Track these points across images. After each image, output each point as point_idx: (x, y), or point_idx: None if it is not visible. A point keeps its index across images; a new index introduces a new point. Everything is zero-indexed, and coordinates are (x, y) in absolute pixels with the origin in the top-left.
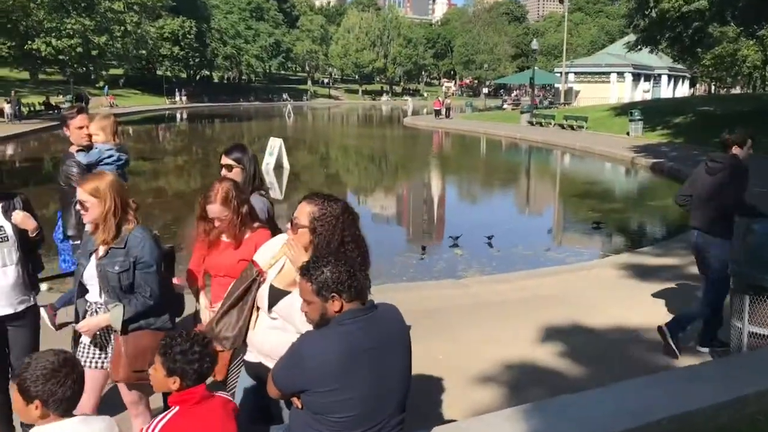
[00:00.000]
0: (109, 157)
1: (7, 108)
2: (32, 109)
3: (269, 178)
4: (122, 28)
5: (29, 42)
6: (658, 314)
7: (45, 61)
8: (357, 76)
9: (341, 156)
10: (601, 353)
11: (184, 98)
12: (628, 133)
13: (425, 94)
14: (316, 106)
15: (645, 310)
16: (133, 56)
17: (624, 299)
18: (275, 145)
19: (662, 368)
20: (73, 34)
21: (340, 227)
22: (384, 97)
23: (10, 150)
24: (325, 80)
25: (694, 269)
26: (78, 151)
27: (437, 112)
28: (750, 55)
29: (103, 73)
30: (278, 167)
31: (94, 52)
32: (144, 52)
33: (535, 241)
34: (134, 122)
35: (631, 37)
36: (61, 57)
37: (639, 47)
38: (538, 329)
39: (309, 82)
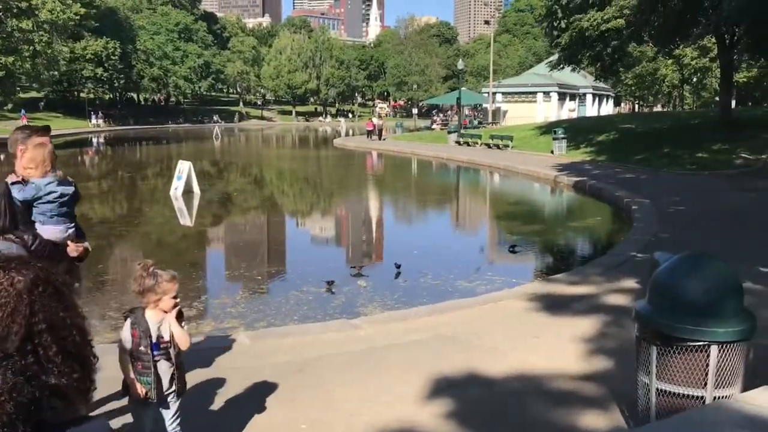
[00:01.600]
0: (49, 193)
1: None
2: None
3: (177, 203)
4: (31, 48)
5: None
6: (564, 356)
7: None
8: (290, 98)
9: (260, 179)
10: (497, 410)
11: (100, 121)
12: (552, 152)
13: (352, 116)
14: (248, 127)
15: (551, 351)
16: (44, 78)
17: (529, 338)
18: (184, 168)
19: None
20: None
21: (24, 312)
22: (321, 118)
23: None
24: (258, 102)
25: (609, 299)
26: (14, 183)
27: (369, 133)
28: (668, 74)
29: (12, 96)
30: (187, 192)
31: (0, 73)
32: (56, 73)
33: (447, 267)
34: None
35: (555, 56)
36: None
37: (561, 66)
38: (429, 382)
39: (240, 104)
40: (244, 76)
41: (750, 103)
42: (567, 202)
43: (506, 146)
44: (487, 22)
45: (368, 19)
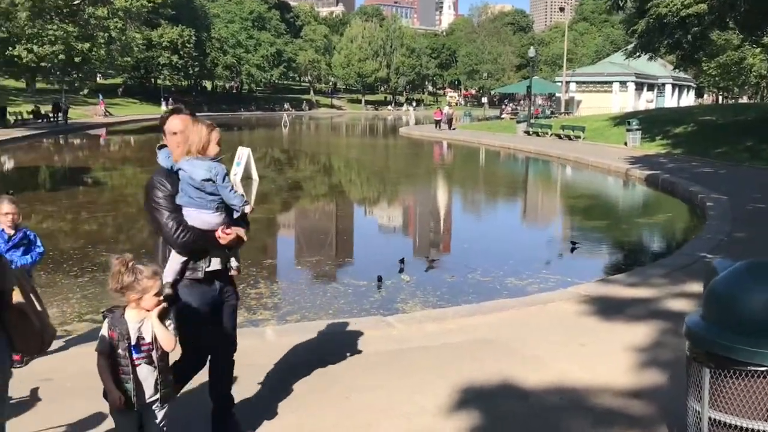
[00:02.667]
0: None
1: None
2: (19, 117)
3: (237, 189)
4: (106, 35)
5: (10, 48)
6: (611, 367)
7: (28, 68)
8: (360, 86)
9: (321, 167)
10: (528, 427)
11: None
12: (625, 144)
13: (420, 104)
14: (318, 115)
15: (598, 361)
16: (119, 64)
17: (575, 346)
18: (242, 154)
19: None
20: (55, 41)
21: None
22: (390, 107)
23: None
24: (328, 90)
25: (670, 304)
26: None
27: (437, 123)
28: (756, 63)
29: (87, 82)
30: (246, 178)
31: (77, 59)
32: (129, 59)
33: (499, 263)
34: (129, 131)
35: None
36: (43, 64)
37: (637, 54)
38: (457, 391)
39: (311, 92)
40: (315, 64)
41: None
42: (637, 196)
43: (577, 137)
44: (561, 9)
45: (441, 7)
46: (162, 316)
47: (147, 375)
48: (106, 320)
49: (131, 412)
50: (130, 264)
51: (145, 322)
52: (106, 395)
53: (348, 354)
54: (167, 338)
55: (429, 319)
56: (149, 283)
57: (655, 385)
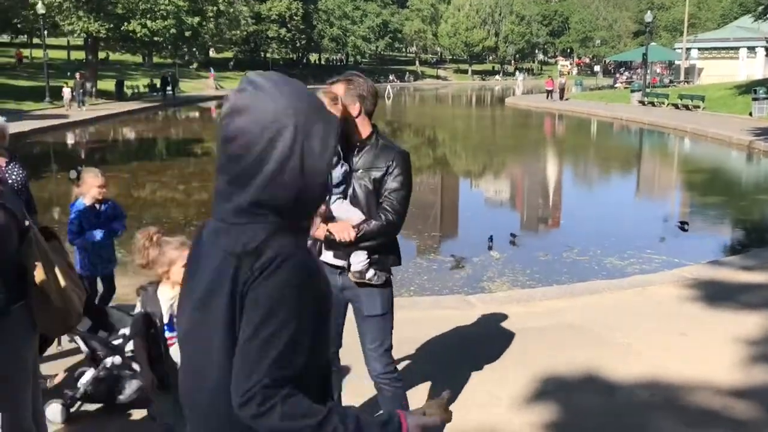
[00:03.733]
0: None
1: (67, 93)
2: (135, 91)
3: None
4: (215, 8)
5: (125, 23)
6: (714, 361)
7: (143, 43)
8: (467, 56)
9: (426, 138)
10: (611, 426)
11: None
12: (750, 114)
13: (530, 74)
14: (423, 86)
15: (698, 353)
16: (227, 38)
17: (674, 335)
18: None
19: None
20: (167, 15)
21: None
22: (498, 77)
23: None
24: (434, 60)
25: None
26: None
27: (549, 93)
28: None
29: (198, 55)
30: None
31: (187, 33)
32: (237, 32)
33: (600, 241)
34: None
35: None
36: (156, 38)
37: (767, 15)
38: (536, 381)
39: (417, 63)
40: (421, 34)
41: None
42: (760, 171)
43: (696, 107)
44: None
45: None
46: None
47: None
48: (139, 298)
49: (168, 395)
50: (155, 237)
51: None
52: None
53: (421, 336)
54: None
55: (513, 300)
56: (175, 254)
57: (765, 385)
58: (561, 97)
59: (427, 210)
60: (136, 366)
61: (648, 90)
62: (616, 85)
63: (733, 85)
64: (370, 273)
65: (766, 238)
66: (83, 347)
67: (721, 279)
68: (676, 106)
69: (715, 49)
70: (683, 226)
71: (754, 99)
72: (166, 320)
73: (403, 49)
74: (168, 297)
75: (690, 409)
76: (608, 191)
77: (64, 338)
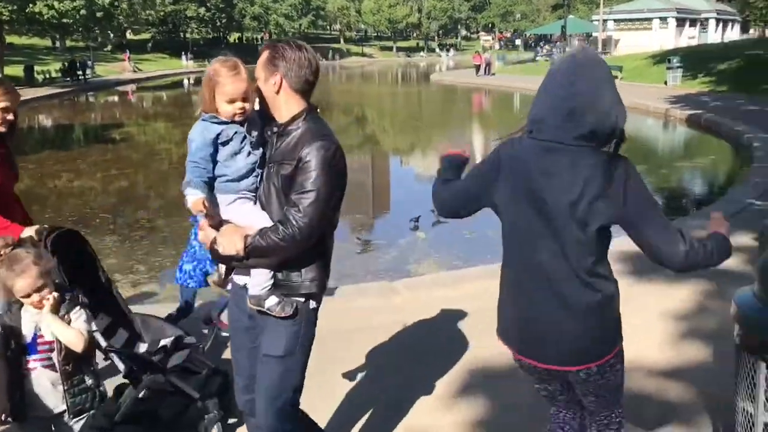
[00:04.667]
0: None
1: None
2: (47, 76)
3: None
4: None
5: (31, 5)
6: (646, 339)
7: (51, 25)
8: (391, 33)
9: (355, 117)
10: (544, 420)
11: (190, 62)
12: (665, 83)
13: (455, 49)
14: (348, 64)
15: (630, 334)
16: (143, 18)
17: None
18: None
19: None
20: None
21: None
22: (422, 53)
23: None
24: (358, 38)
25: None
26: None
27: (477, 68)
28: None
29: (111, 35)
30: None
31: (99, 14)
32: (153, 12)
33: None
34: (158, 87)
35: None
36: (65, 20)
37: None
38: (465, 373)
39: (341, 41)
40: (344, 12)
41: None
42: (677, 138)
43: (615, 77)
44: None
45: None
46: (59, 310)
47: (45, 381)
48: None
49: (27, 425)
50: (5, 251)
51: (42, 318)
52: None
53: (337, 329)
54: (71, 336)
55: (439, 283)
56: (20, 282)
57: (696, 363)
58: (488, 72)
59: (353, 189)
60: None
61: None
62: (538, 59)
63: (648, 55)
64: (271, 301)
65: (688, 206)
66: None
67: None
68: None
69: (630, 20)
70: None
71: (668, 68)
72: (29, 340)
73: (327, 27)
74: (34, 314)
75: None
76: None
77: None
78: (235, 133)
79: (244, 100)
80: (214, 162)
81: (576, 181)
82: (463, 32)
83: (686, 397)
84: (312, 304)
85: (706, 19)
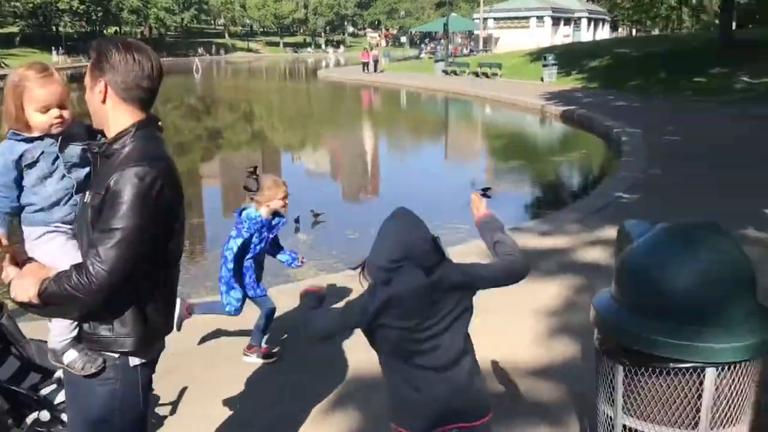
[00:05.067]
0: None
1: None
2: None
3: None
4: None
5: None
6: (515, 338)
7: None
8: (277, 28)
9: (241, 114)
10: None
11: (61, 57)
12: (542, 80)
13: (341, 46)
14: (234, 60)
15: (502, 332)
16: (6, 10)
17: (478, 313)
18: None
19: None
20: None
21: None
22: (309, 49)
23: None
24: (244, 33)
25: (584, 254)
26: None
27: (365, 65)
28: None
29: None
30: None
31: None
32: (19, 4)
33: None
34: None
35: None
36: None
37: None
38: (337, 385)
39: (226, 36)
40: (228, 6)
41: (750, 26)
42: (553, 133)
43: (495, 75)
44: None
45: None
46: None
47: None
48: None
49: None
50: None
51: None
52: None
53: (199, 348)
54: None
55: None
56: None
57: (566, 361)
58: (375, 69)
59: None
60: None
61: (451, 60)
62: (422, 56)
63: (526, 53)
64: (70, 356)
65: (561, 200)
66: None
67: (520, 246)
68: (476, 75)
69: (509, 18)
70: (486, 192)
71: (544, 65)
72: None
73: (211, 22)
74: None
75: (493, 396)
76: (417, 161)
77: None
78: (43, 153)
79: (61, 107)
80: (21, 188)
81: None
82: (351, 29)
83: (556, 396)
84: (133, 361)
85: (579, 19)
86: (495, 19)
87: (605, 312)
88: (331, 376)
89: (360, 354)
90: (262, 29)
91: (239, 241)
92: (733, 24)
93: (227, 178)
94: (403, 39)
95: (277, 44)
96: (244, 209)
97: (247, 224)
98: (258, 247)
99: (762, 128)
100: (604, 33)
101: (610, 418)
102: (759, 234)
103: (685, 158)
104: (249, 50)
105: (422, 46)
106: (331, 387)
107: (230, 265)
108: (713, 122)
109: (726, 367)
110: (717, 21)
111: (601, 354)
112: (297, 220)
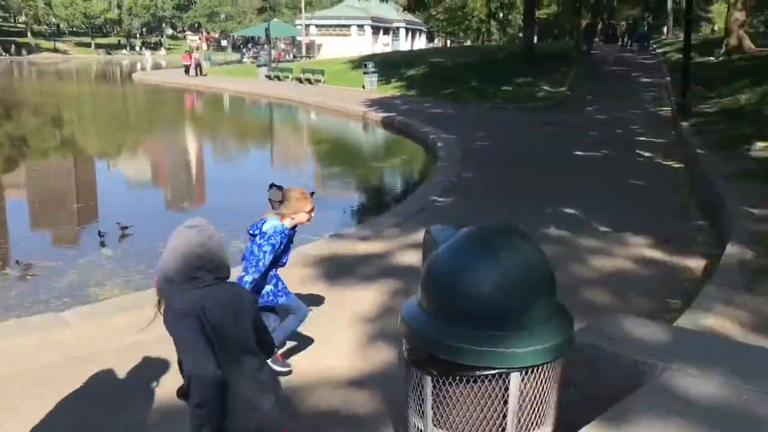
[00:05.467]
0: None
1: None
2: None
3: None
4: None
5: None
6: (335, 347)
7: None
8: (88, 28)
9: (37, 117)
10: None
11: None
12: (363, 87)
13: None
14: (39, 61)
15: (324, 343)
16: None
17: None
18: None
19: None
20: None
21: None
22: (124, 51)
23: None
24: (49, 32)
25: (403, 258)
26: None
27: (186, 68)
28: (476, 8)
29: None
30: None
31: None
32: None
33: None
34: None
35: None
36: None
37: None
38: (147, 416)
39: (29, 35)
40: (30, 3)
41: (549, 39)
42: (375, 140)
43: (318, 81)
44: None
45: None
46: None
47: None
48: None
49: None
50: None
51: None
52: None
53: None
54: None
55: (120, 309)
56: None
57: (384, 370)
58: (198, 73)
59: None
60: None
61: (274, 65)
62: (244, 60)
63: (347, 60)
64: None
65: (381, 204)
66: None
67: (342, 253)
68: (300, 81)
69: (330, 26)
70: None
71: (365, 73)
72: None
73: (11, 19)
74: None
75: (308, 414)
76: (243, 167)
77: None
78: None
79: None
80: None
81: None
82: (169, 31)
83: (372, 407)
84: None
85: (398, 29)
86: (317, 26)
87: (412, 321)
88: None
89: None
90: (70, 29)
91: (269, 256)
92: (535, 37)
93: (32, 188)
94: (225, 43)
95: (88, 45)
96: (263, 222)
97: (278, 237)
98: (285, 258)
99: (560, 133)
100: (421, 43)
101: (420, 430)
102: (560, 232)
103: (494, 162)
104: (56, 51)
105: (244, 50)
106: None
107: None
108: (520, 128)
109: (530, 371)
110: (521, 34)
111: (410, 364)
112: (101, 234)
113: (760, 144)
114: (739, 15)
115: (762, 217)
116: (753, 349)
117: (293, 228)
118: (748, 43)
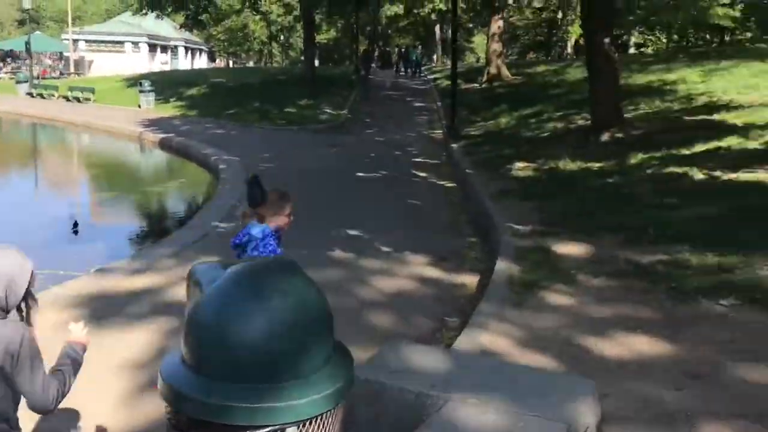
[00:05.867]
0: None
1: None
2: None
3: None
4: None
5: None
6: (103, 401)
7: None
8: None
9: None
10: None
11: None
12: (139, 106)
13: None
14: None
15: (86, 392)
16: None
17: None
18: None
19: None
20: None
21: None
22: None
23: None
24: None
25: (181, 292)
26: None
27: None
28: (257, 30)
29: None
30: None
31: None
32: None
33: None
34: None
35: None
36: None
37: (144, 11)
38: None
39: None
40: None
41: (330, 63)
42: (151, 162)
43: (87, 99)
44: None
45: None
46: None
47: None
48: None
49: None
50: None
51: None
52: None
53: None
54: None
55: None
56: None
57: (153, 421)
58: None
59: None
60: None
61: (36, 82)
62: (1, 76)
63: (122, 78)
64: None
65: (156, 232)
66: None
67: (110, 290)
68: (67, 99)
69: (102, 42)
70: (76, 228)
71: (141, 91)
72: None
73: None
74: None
75: None
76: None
77: None
78: None
79: None
80: None
81: None
82: None
83: None
84: None
85: (176, 47)
86: (87, 41)
87: (172, 379)
88: None
89: None
90: None
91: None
92: (316, 61)
93: None
94: None
95: None
96: (251, 227)
97: (271, 239)
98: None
99: (343, 155)
100: (202, 62)
101: None
102: (345, 254)
103: (280, 183)
104: None
105: (1, 65)
106: None
107: None
108: (303, 149)
109: (308, 423)
110: (302, 57)
111: (173, 428)
112: None
113: (518, 164)
114: (497, 46)
115: (524, 233)
116: (521, 369)
117: (277, 232)
118: (505, 71)
